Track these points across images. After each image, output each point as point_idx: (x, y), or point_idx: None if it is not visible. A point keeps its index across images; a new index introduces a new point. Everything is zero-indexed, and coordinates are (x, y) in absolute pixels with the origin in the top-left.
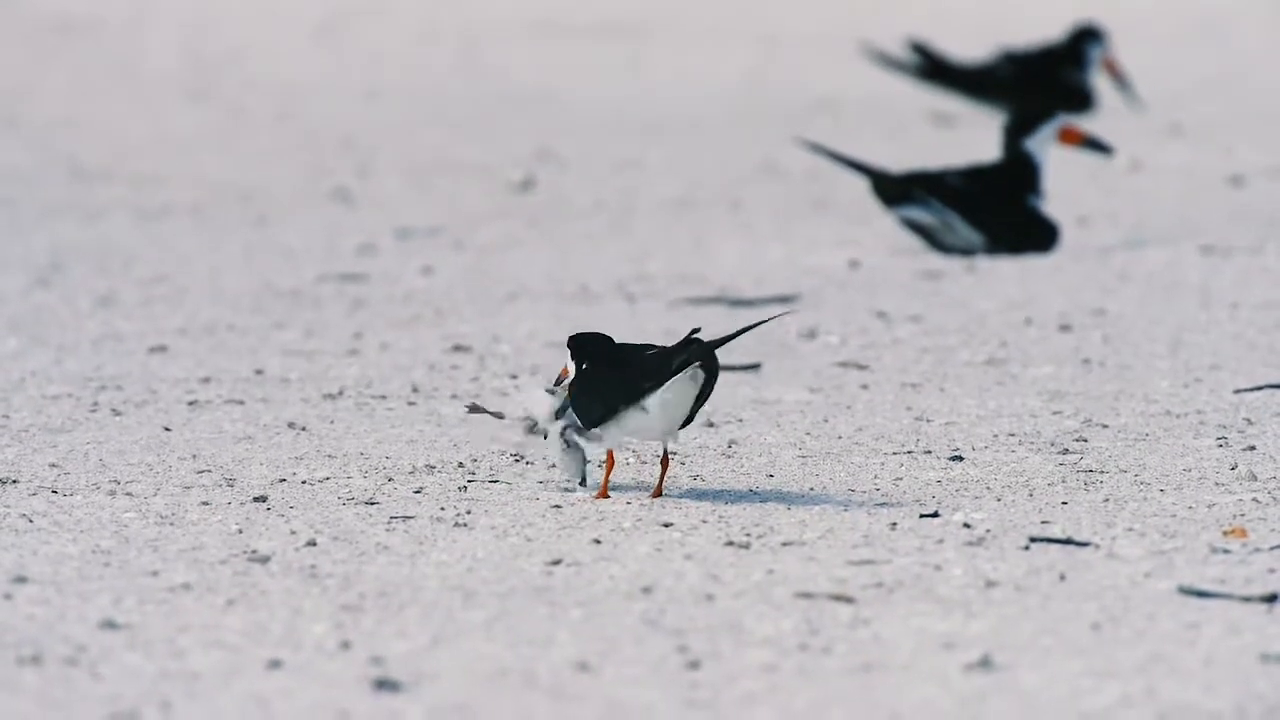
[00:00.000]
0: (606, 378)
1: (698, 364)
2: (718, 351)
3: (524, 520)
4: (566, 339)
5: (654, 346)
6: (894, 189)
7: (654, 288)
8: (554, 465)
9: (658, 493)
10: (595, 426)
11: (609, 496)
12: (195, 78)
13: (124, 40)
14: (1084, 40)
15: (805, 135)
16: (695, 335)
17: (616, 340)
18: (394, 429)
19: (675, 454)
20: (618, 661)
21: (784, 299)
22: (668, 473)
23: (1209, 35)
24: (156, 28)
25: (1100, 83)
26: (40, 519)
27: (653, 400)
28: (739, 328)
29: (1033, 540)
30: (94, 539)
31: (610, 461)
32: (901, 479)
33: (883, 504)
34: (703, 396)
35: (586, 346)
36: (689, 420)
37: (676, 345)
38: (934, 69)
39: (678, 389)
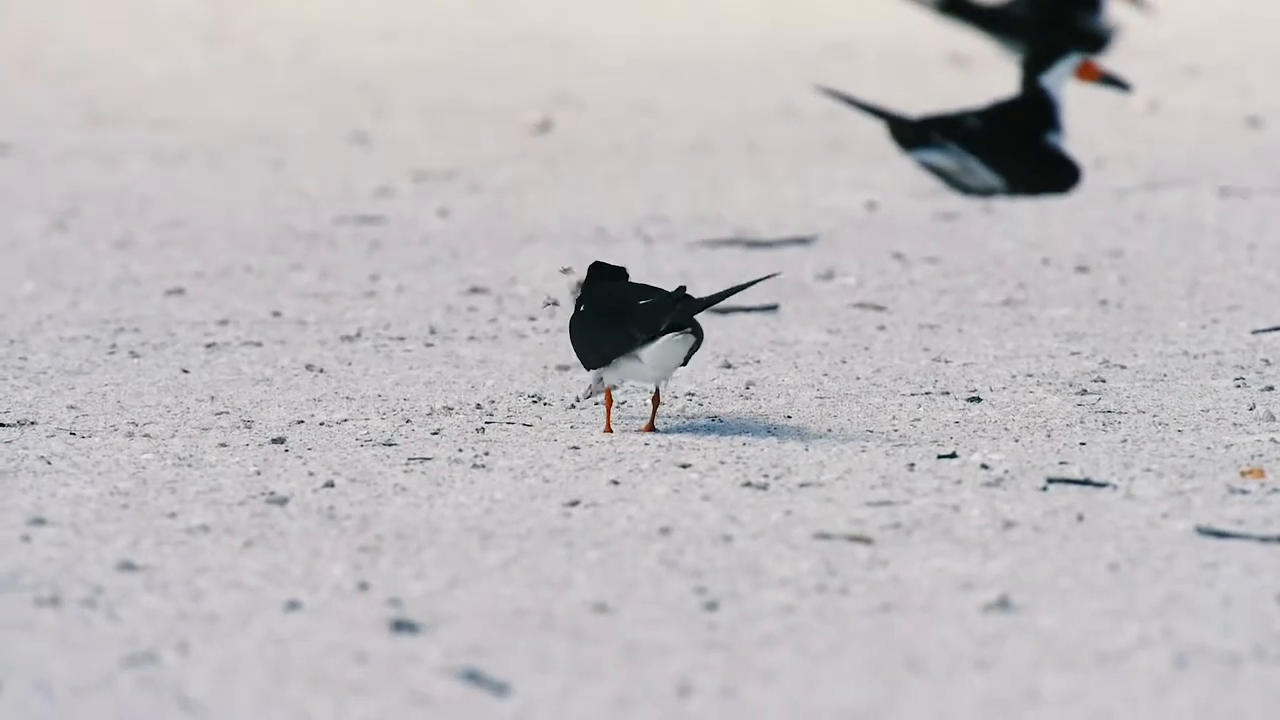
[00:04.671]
0: (601, 325)
1: (687, 330)
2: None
3: (542, 462)
4: (591, 264)
5: (652, 290)
6: (911, 133)
7: (671, 229)
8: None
9: (649, 426)
10: (591, 370)
11: (613, 431)
12: (211, 20)
13: None
14: None
15: (822, 78)
16: (683, 293)
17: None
18: (411, 370)
19: (693, 395)
20: (635, 602)
21: (801, 240)
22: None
23: None
24: None
25: (1117, 11)
26: (58, 461)
27: (645, 352)
28: (725, 289)
29: (1050, 481)
30: (112, 481)
31: (609, 399)
32: (919, 420)
33: (900, 445)
34: (695, 347)
35: (593, 282)
36: (684, 363)
37: (666, 299)
38: (950, 2)
39: (668, 346)
